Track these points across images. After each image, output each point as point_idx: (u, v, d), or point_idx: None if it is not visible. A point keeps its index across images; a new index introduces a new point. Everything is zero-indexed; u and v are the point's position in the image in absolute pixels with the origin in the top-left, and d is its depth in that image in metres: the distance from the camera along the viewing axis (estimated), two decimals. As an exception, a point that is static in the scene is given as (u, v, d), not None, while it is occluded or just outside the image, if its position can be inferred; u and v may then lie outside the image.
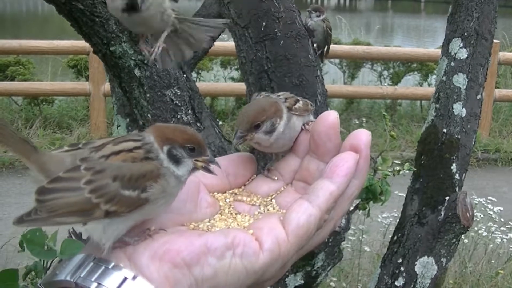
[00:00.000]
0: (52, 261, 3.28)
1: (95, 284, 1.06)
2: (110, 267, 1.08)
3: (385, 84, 13.17)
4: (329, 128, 1.25)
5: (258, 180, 1.37)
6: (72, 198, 1.07)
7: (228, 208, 1.30)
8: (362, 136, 1.22)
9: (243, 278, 1.10)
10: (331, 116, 1.26)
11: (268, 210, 1.29)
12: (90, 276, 1.07)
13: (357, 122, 11.81)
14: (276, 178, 1.37)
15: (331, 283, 5.95)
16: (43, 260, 3.18)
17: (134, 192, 1.09)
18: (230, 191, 1.35)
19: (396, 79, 13.27)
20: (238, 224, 1.24)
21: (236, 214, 1.29)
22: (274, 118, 1.39)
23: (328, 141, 1.25)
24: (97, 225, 1.10)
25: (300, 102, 1.49)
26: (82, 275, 1.08)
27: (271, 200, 1.32)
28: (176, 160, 1.15)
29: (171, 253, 1.08)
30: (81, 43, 10.36)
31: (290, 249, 1.14)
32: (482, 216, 7.02)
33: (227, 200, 1.33)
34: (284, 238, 1.13)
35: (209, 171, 1.19)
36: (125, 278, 1.06)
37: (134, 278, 1.06)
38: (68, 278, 1.08)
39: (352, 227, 6.46)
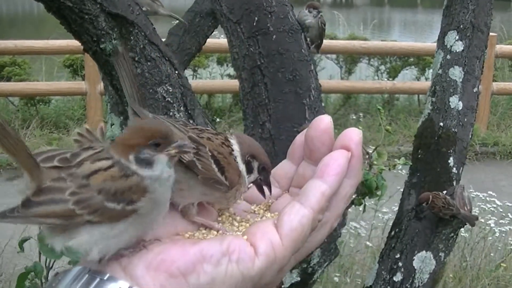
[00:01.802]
0: (54, 261, 3.29)
1: None
2: (105, 278, 1.06)
3: (383, 79, 13.16)
4: (323, 133, 1.23)
5: (255, 188, 1.36)
6: (55, 209, 1.05)
7: (225, 216, 1.30)
8: (353, 135, 1.20)
9: (240, 284, 1.09)
10: (325, 121, 1.24)
11: (265, 217, 1.29)
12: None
13: (354, 117, 11.81)
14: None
15: (335, 278, 5.94)
16: (46, 260, 3.20)
17: (119, 205, 1.07)
18: None
19: (393, 74, 13.26)
20: (234, 231, 1.23)
21: (232, 221, 1.28)
22: None
23: (322, 146, 1.23)
24: (82, 235, 1.08)
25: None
26: (78, 286, 1.06)
27: (268, 207, 1.32)
28: (148, 163, 1.10)
29: (166, 263, 1.07)
30: (77, 42, 10.23)
31: (285, 252, 1.12)
32: (481, 210, 7.01)
33: (224, 208, 1.32)
34: (278, 241, 1.11)
35: (184, 153, 1.15)
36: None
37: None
38: None
39: (353, 222, 6.47)
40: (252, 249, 1.10)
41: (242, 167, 1.32)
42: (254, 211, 1.32)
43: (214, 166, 1.27)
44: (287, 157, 1.36)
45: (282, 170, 1.36)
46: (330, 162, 1.18)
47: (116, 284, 1.05)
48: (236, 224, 1.27)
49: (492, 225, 6.91)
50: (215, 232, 1.22)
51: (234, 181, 1.29)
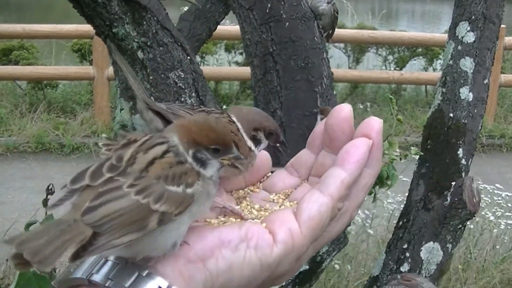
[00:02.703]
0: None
1: (109, 281, 1.04)
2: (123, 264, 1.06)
3: (391, 68, 13.13)
4: (343, 122, 1.24)
5: (274, 177, 1.37)
6: (119, 204, 1.00)
7: (244, 205, 1.30)
8: (374, 124, 1.21)
9: (258, 271, 1.09)
10: (345, 109, 1.25)
11: (284, 206, 1.29)
12: (104, 273, 1.06)
13: (361, 107, 11.78)
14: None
15: (336, 266, 5.94)
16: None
17: (179, 188, 1.05)
18: (246, 188, 1.36)
19: (401, 64, 13.24)
20: (252, 219, 1.23)
21: (251, 209, 1.28)
22: None
23: (342, 135, 1.24)
24: (149, 240, 1.04)
25: None
26: (95, 273, 1.06)
27: (287, 196, 1.33)
28: (202, 163, 1.10)
29: (184, 248, 1.07)
30: (85, 27, 10.34)
31: (304, 240, 1.12)
32: (488, 201, 6.99)
33: (243, 197, 1.33)
34: (296, 229, 1.12)
35: (235, 166, 1.17)
36: (139, 275, 1.04)
37: (148, 274, 1.04)
38: (82, 276, 1.07)
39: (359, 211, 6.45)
40: (270, 236, 1.10)
41: (250, 142, 1.35)
42: (273, 200, 1.32)
43: None
44: (307, 146, 1.36)
45: (301, 159, 1.36)
46: (351, 150, 1.18)
47: (134, 269, 1.05)
48: (255, 212, 1.27)
49: (493, 217, 6.90)
50: (233, 220, 1.22)
51: (245, 154, 1.29)
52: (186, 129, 1.11)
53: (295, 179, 1.35)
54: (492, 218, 6.85)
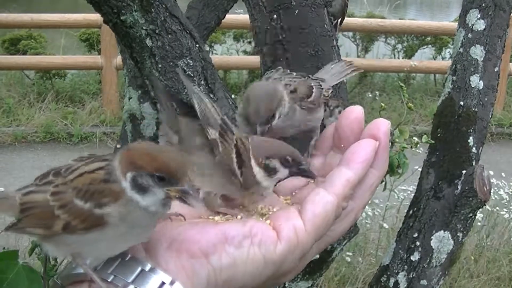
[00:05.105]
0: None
1: (111, 276, 1.05)
2: (126, 259, 1.07)
3: (399, 57, 13.11)
4: (353, 122, 1.26)
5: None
6: (37, 197, 1.08)
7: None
8: (381, 125, 1.22)
9: (262, 268, 1.10)
10: (356, 111, 1.27)
11: (292, 204, 1.29)
12: (107, 269, 1.06)
13: (370, 95, 11.76)
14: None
15: (347, 258, 5.93)
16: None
17: (86, 204, 1.04)
18: None
19: (410, 53, 13.21)
20: (256, 216, 1.23)
21: (256, 207, 1.28)
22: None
23: (351, 135, 1.25)
24: (56, 243, 1.10)
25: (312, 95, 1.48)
26: (98, 268, 1.07)
27: (293, 196, 1.33)
28: (141, 189, 1.04)
29: (188, 243, 1.08)
30: (93, 16, 10.35)
31: (308, 237, 1.13)
32: (497, 192, 6.98)
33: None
34: (301, 227, 1.12)
35: (185, 201, 1.06)
36: (142, 270, 1.05)
37: (151, 269, 1.05)
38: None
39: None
40: (274, 233, 1.11)
41: (258, 170, 1.27)
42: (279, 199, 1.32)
43: (234, 155, 1.25)
44: (316, 148, 1.39)
45: (310, 161, 1.38)
46: (357, 150, 1.19)
47: (138, 265, 1.06)
48: (260, 209, 1.27)
49: (506, 207, 6.89)
50: (238, 217, 1.22)
51: (248, 181, 1.26)
52: (129, 152, 1.07)
53: (302, 180, 1.35)
54: (506, 208, 6.84)
